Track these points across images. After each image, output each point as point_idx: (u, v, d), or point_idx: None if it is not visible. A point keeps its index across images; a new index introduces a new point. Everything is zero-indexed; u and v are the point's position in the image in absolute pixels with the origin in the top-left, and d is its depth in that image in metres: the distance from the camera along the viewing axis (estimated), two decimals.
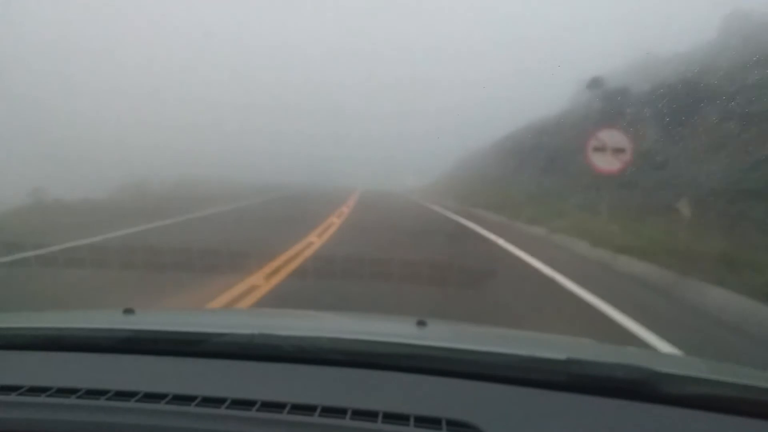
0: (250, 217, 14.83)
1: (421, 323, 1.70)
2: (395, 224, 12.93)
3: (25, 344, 1.56)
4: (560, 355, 1.39)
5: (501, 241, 10.29)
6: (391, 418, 1.15)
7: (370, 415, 1.15)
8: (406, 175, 59.26)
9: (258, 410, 1.16)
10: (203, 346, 1.47)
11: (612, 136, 10.96)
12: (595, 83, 20.93)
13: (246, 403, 1.17)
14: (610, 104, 19.37)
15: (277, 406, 1.17)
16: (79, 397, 1.20)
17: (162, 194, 24.00)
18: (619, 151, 10.84)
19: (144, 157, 34.44)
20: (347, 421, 1.13)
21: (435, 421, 1.14)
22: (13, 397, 1.22)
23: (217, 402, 1.18)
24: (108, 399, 1.20)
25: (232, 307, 4.58)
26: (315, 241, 9.36)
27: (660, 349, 3.92)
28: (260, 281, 5.65)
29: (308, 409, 1.16)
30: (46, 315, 2.12)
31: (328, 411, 1.16)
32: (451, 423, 1.14)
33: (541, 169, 21.56)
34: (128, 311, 1.76)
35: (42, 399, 1.21)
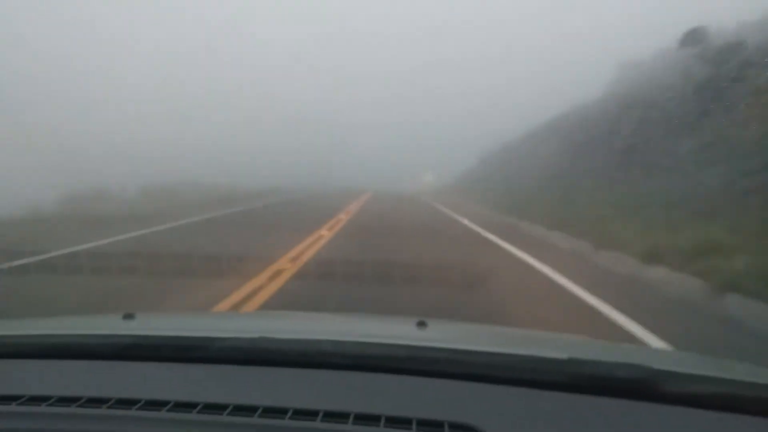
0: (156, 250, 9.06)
1: (421, 324, 1.69)
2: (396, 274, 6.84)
3: (24, 352, 1.54)
4: (561, 355, 1.37)
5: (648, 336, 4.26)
6: (394, 422, 1.14)
7: (372, 419, 1.15)
8: (424, 175, 53.65)
9: (260, 416, 1.15)
10: (205, 351, 1.45)
11: None
12: (693, 37, 14.75)
13: (248, 409, 1.17)
14: (720, 67, 13.14)
15: (280, 412, 1.16)
16: (80, 406, 1.20)
17: (118, 205, 18.72)
18: None
19: (113, 163, 29.60)
20: (349, 426, 1.14)
21: (437, 425, 1.14)
22: (13, 407, 1.21)
23: (219, 408, 1.17)
24: (109, 407, 1.19)
25: (234, 311, 4.39)
26: None
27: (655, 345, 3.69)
28: None
29: (310, 414, 1.16)
30: (44, 322, 2.03)
31: (330, 416, 1.16)
32: (453, 426, 1.14)
33: (615, 162, 15.43)
34: (128, 316, 1.74)
35: (43, 408, 1.20)
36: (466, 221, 13.82)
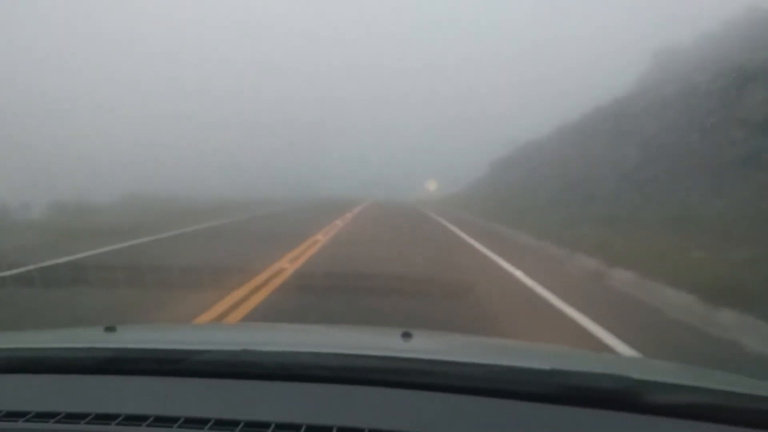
0: None
1: (406, 335, 1.66)
2: None
3: (2, 367, 1.48)
4: (543, 365, 1.37)
5: None
6: None
7: None
8: (428, 185, 47.83)
9: (242, 430, 1.14)
10: (186, 364, 1.41)
11: None
12: None
13: (229, 424, 1.15)
14: None
15: (261, 426, 1.15)
16: (57, 422, 1.17)
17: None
18: None
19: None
20: None
21: None
22: None
23: (199, 423, 1.15)
24: (88, 423, 1.17)
25: (217, 322, 4.25)
26: None
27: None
28: None
29: (293, 428, 1.14)
30: (24, 335, 2.01)
31: (313, 429, 1.14)
32: None
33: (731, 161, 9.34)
34: (110, 329, 1.71)
35: (20, 425, 1.17)
36: (518, 274, 7.56)
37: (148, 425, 1.13)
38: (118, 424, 1.14)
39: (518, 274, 7.33)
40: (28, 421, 1.16)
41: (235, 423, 1.13)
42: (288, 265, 7.48)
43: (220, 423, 1.14)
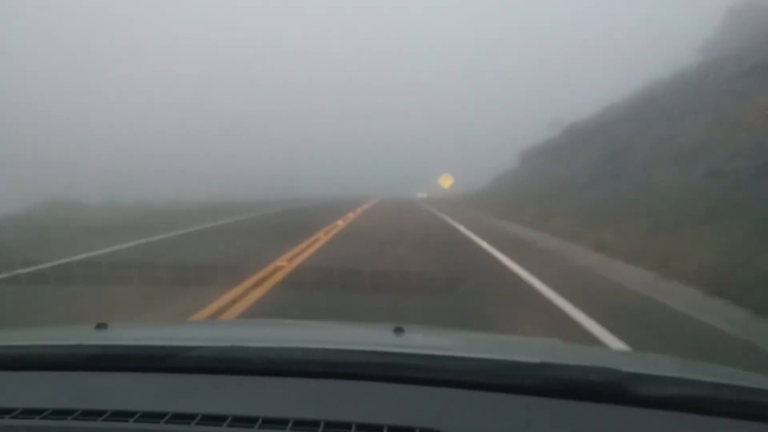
0: None
1: (398, 330, 1.68)
2: None
3: None
4: (533, 359, 1.38)
5: None
6: (365, 429, 1.13)
7: (342, 426, 1.14)
8: (445, 180, 40.87)
9: (229, 425, 1.14)
10: (174, 360, 1.42)
11: None
12: None
13: (216, 419, 1.15)
14: None
15: (249, 421, 1.14)
16: (44, 418, 1.17)
17: None
18: None
19: None
20: None
21: (408, 430, 1.14)
22: None
23: (186, 418, 1.15)
24: (74, 419, 1.16)
25: (207, 320, 4.32)
26: None
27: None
28: None
29: (280, 423, 1.14)
30: (14, 332, 1.98)
31: (300, 424, 1.14)
32: (424, 431, 1.14)
33: None
34: (101, 326, 1.71)
35: (6, 421, 1.17)
36: None
37: (134, 421, 1.13)
38: (104, 420, 1.14)
39: None
40: (14, 417, 1.16)
41: (222, 418, 1.13)
42: None
43: (207, 418, 1.13)
